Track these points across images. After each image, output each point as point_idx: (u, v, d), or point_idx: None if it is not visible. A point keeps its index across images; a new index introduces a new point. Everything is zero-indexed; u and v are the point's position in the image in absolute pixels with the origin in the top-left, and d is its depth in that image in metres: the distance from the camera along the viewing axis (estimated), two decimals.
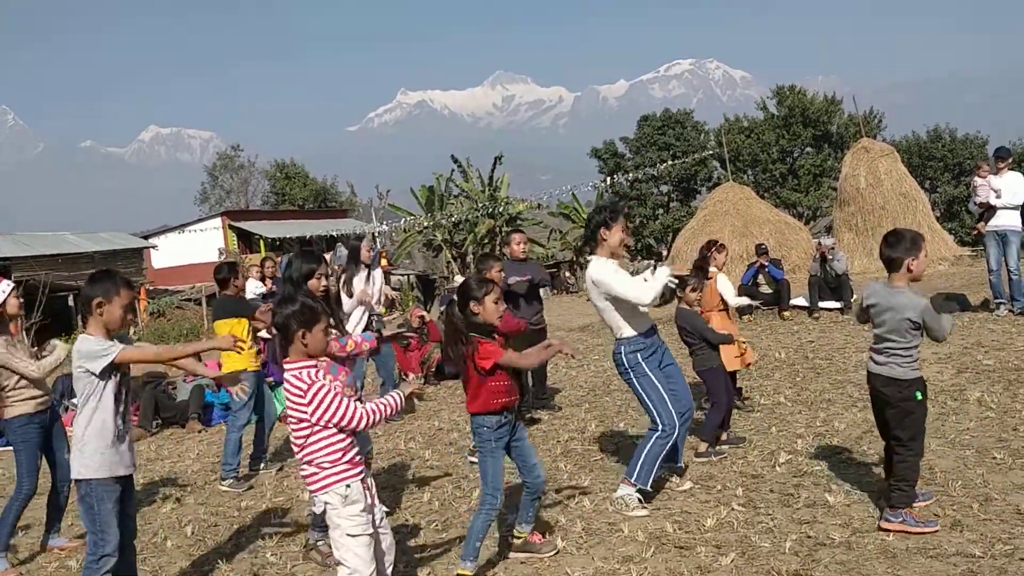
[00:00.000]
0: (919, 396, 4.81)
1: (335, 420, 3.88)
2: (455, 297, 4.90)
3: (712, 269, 7.82)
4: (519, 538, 5.03)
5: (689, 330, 6.88)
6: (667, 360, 5.83)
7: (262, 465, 7.80)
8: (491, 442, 4.76)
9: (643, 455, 5.64)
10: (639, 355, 5.65)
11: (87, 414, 4.33)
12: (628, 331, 5.68)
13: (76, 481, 4.37)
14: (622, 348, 5.70)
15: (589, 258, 5.83)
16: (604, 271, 5.62)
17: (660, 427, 5.63)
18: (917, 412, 4.82)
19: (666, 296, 6.31)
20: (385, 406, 4.05)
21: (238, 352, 5.26)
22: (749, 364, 7.88)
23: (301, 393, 3.89)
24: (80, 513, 4.45)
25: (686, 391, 5.89)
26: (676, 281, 5.78)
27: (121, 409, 4.40)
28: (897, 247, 4.85)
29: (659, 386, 5.64)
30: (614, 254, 5.71)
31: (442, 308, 12.94)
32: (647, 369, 5.65)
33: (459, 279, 8.88)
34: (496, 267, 7.56)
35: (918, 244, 4.85)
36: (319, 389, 3.89)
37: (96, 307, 4.31)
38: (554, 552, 4.95)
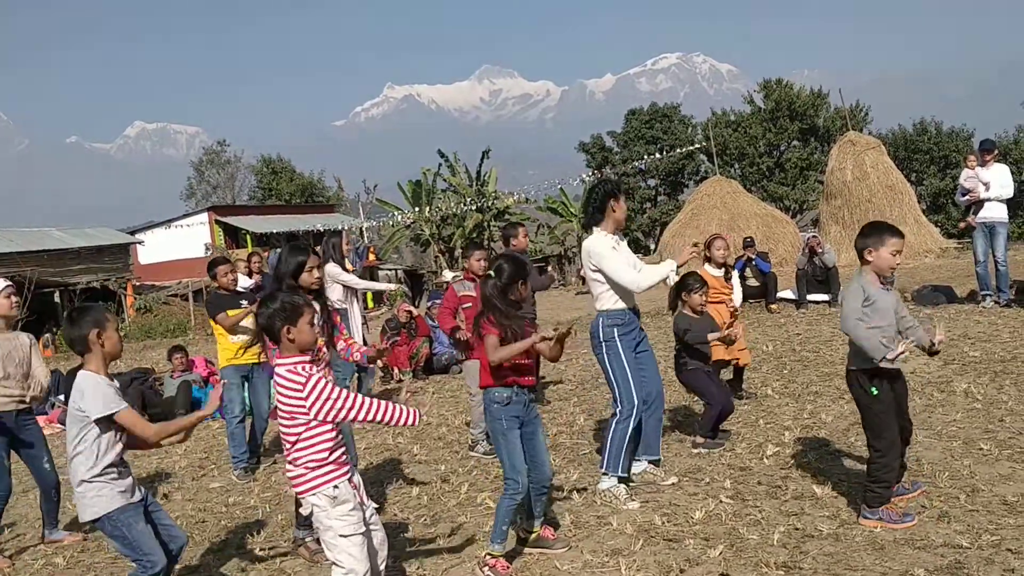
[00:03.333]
0: (874, 391, 4.72)
1: (332, 414, 3.86)
2: (493, 274, 4.78)
3: (708, 267, 7.84)
4: (531, 534, 4.98)
5: (679, 335, 6.88)
6: (643, 346, 5.85)
7: (254, 459, 7.80)
8: (502, 421, 4.71)
9: (608, 442, 5.69)
10: (616, 330, 5.67)
11: (84, 456, 4.15)
12: (610, 304, 5.70)
13: (95, 522, 4.22)
14: (600, 320, 5.73)
15: (593, 230, 5.82)
16: (602, 245, 5.68)
17: (620, 408, 5.66)
18: (873, 407, 4.74)
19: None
20: (388, 410, 4.00)
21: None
22: (738, 360, 7.90)
23: (299, 387, 3.86)
24: (115, 546, 4.31)
25: (656, 379, 5.89)
26: (674, 278, 5.79)
27: (120, 449, 4.26)
28: (861, 238, 4.83)
29: (627, 366, 5.65)
30: (617, 226, 5.75)
31: (430, 303, 12.96)
32: (620, 346, 5.66)
33: (448, 274, 8.83)
34: (478, 255, 7.58)
35: (882, 237, 4.75)
36: (317, 382, 3.87)
37: (97, 338, 4.21)
38: (567, 548, 4.92)
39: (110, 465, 4.19)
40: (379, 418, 3.97)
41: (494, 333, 4.65)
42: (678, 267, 5.75)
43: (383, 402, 4.02)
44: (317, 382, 3.87)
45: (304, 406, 3.86)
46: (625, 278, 5.61)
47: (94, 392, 4.14)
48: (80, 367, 4.29)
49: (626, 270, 5.63)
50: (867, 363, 4.72)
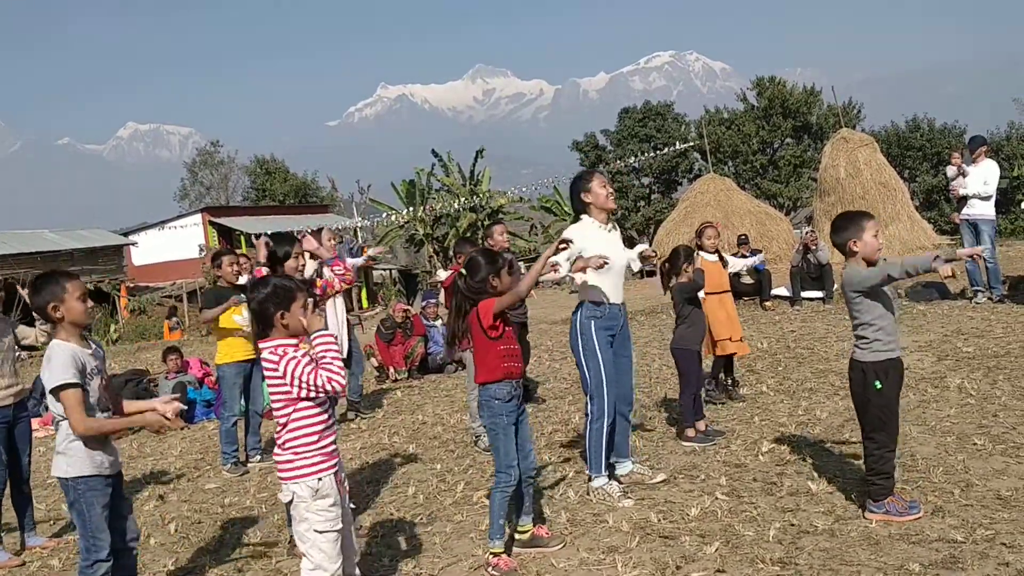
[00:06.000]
0: (878, 385, 4.71)
1: (305, 390, 3.80)
2: (464, 272, 4.84)
3: (704, 254, 7.85)
4: (524, 532, 4.97)
5: (680, 300, 6.97)
6: (623, 350, 5.81)
7: (258, 457, 7.80)
8: (503, 416, 4.74)
9: (588, 445, 5.71)
10: (593, 323, 5.63)
11: (64, 422, 4.18)
12: (590, 296, 5.66)
13: (63, 482, 4.23)
14: (579, 312, 5.68)
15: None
16: (580, 227, 5.62)
17: (591, 407, 5.66)
18: (875, 402, 4.74)
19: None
20: (328, 357, 3.86)
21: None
22: (735, 354, 7.96)
23: (275, 367, 3.83)
24: (72, 517, 4.32)
25: (629, 383, 5.89)
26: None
27: (100, 415, 4.25)
28: (839, 232, 4.84)
29: (601, 362, 5.61)
30: (605, 210, 5.70)
31: (424, 303, 12.95)
32: (595, 340, 5.62)
33: (442, 274, 8.86)
34: (470, 251, 7.60)
35: (860, 224, 4.76)
36: (288, 361, 3.81)
37: (53, 311, 4.16)
38: (562, 546, 4.93)
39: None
40: (337, 369, 3.85)
41: (492, 301, 4.72)
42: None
43: (324, 363, 3.86)
44: (288, 362, 3.81)
45: (285, 384, 3.83)
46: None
47: (52, 362, 4.12)
48: None
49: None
50: (877, 355, 4.73)
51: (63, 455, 4.22)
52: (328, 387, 3.83)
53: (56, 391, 4.11)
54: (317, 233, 8.72)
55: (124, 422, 4.30)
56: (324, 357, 3.89)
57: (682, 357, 6.99)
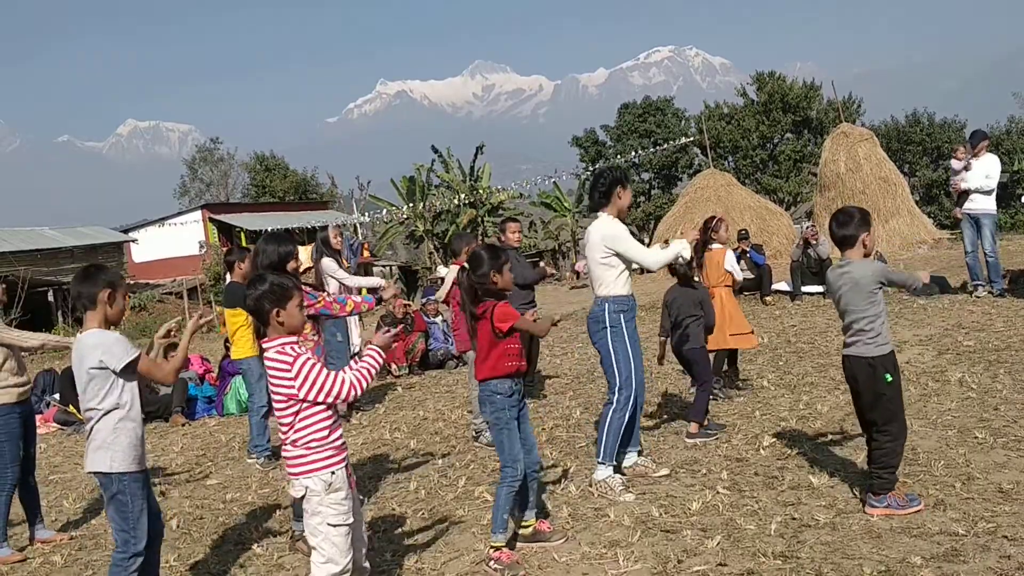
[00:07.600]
0: (889, 378, 4.78)
1: (322, 396, 3.83)
2: (467, 266, 4.90)
3: (716, 246, 7.85)
4: (526, 526, 4.98)
5: (691, 305, 6.94)
6: (636, 335, 5.90)
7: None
8: (505, 411, 4.78)
9: (605, 431, 5.72)
10: (622, 316, 5.71)
11: (113, 412, 4.17)
12: (618, 290, 5.73)
13: (105, 476, 4.17)
14: (607, 305, 5.73)
15: (598, 215, 5.86)
16: (618, 229, 5.74)
17: (617, 396, 5.70)
18: (888, 394, 4.80)
19: (679, 271, 6.72)
20: (368, 369, 3.98)
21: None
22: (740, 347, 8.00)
23: (287, 367, 3.83)
24: (110, 512, 4.26)
25: (640, 370, 5.92)
26: (686, 258, 5.96)
27: (139, 410, 4.29)
28: (849, 225, 4.94)
29: (630, 350, 5.72)
30: (620, 215, 5.82)
31: (424, 299, 12.96)
32: (625, 331, 5.71)
33: (442, 270, 8.89)
34: (474, 244, 7.62)
35: (867, 220, 4.95)
36: (304, 363, 3.84)
37: (107, 298, 4.23)
38: (564, 540, 4.94)
39: (132, 424, 4.21)
40: (366, 385, 3.96)
41: (516, 315, 4.80)
42: (690, 245, 5.93)
43: (361, 370, 3.96)
44: (304, 363, 3.84)
45: (293, 387, 3.84)
46: (648, 258, 5.79)
47: (110, 344, 4.14)
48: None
49: (646, 250, 5.84)
50: (882, 349, 4.81)
51: (106, 449, 4.17)
52: (344, 393, 3.88)
53: (130, 366, 4.15)
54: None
55: (182, 350, 4.38)
56: (362, 368, 3.97)
57: (699, 356, 6.96)
